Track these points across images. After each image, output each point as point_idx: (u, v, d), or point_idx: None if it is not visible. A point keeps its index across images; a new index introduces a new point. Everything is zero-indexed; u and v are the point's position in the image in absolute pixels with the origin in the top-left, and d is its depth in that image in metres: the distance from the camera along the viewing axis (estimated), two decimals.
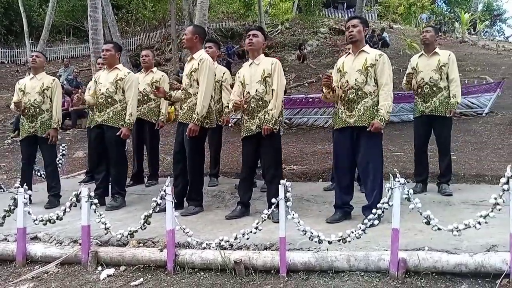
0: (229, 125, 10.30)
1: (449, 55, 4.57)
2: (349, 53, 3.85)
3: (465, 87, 10.27)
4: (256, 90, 3.97)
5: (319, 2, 24.11)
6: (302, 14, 25.29)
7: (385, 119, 3.59)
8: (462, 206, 4.07)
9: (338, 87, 3.80)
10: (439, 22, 27.59)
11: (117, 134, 4.51)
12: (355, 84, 3.70)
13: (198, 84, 4.16)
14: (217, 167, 5.52)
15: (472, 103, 9.51)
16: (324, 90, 3.84)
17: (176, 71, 15.40)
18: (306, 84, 14.10)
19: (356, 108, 3.69)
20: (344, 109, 3.77)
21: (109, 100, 4.60)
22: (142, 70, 5.79)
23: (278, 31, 23.15)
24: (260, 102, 3.96)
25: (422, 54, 4.71)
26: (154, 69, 5.72)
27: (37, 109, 4.81)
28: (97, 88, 4.70)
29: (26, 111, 4.81)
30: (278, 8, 27.36)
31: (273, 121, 3.86)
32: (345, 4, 31.51)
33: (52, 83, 4.87)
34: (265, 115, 3.90)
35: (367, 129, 3.60)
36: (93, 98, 4.73)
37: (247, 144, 4.08)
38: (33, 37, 21.27)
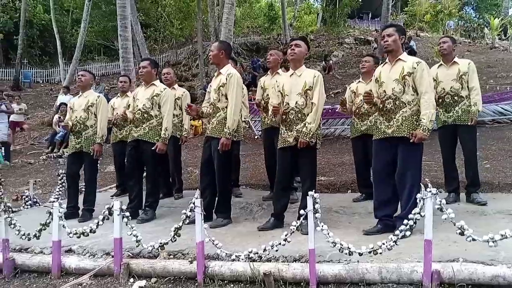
0: (255, 137, 10.40)
1: (468, 64, 4.50)
2: (386, 62, 3.81)
3: (497, 93, 10.00)
4: (296, 102, 3.96)
5: (344, 13, 24.06)
6: (327, 26, 25.28)
7: (428, 128, 3.50)
8: (497, 216, 3.95)
9: (378, 98, 3.77)
10: (467, 28, 27.00)
11: (153, 148, 4.62)
12: (392, 93, 3.65)
13: (226, 98, 4.23)
14: (237, 177, 5.58)
15: (505, 109, 9.24)
16: (366, 106, 3.81)
17: (203, 86, 15.66)
18: (333, 95, 14.03)
19: (394, 118, 3.63)
20: (382, 120, 3.73)
21: (145, 115, 4.72)
22: None
23: None
24: (299, 115, 3.95)
25: (441, 64, 4.62)
26: (176, 86, 5.81)
27: (82, 125, 5.00)
28: (134, 104, 4.84)
29: (73, 128, 5.02)
30: (303, 21, 27.47)
31: (310, 135, 3.85)
32: (370, 14, 31.31)
33: (97, 100, 5.05)
34: (303, 128, 3.88)
35: (410, 140, 3.51)
36: (131, 114, 4.87)
37: (283, 154, 4.03)
38: (66, 57, 22.12)
